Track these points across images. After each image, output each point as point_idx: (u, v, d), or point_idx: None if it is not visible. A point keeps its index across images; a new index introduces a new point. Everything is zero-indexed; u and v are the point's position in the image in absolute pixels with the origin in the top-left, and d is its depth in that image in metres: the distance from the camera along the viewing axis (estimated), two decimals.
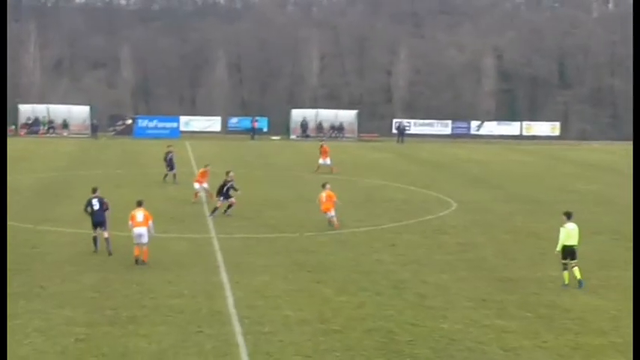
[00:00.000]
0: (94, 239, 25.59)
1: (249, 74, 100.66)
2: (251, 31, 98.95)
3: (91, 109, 79.45)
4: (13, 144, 66.00)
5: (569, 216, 23.29)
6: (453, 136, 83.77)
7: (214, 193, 33.84)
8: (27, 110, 78.97)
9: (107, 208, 25.92)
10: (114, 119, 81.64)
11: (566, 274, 22.87)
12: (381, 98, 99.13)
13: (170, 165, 43.15)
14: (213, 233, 29.42)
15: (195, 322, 18.62)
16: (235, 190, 33.33)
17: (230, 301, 20.51)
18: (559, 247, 22.94)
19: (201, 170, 37.65)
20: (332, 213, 30.66)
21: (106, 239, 25.44)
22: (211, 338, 17.51)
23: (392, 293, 21.60)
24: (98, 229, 25.60)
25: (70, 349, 16.58)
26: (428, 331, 18.43)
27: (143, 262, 24.34)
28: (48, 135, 77.17)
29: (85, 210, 25.97)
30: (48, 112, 79.20)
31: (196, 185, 37.09)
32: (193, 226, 30.80)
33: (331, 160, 49.86)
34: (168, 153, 43.80)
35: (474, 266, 25.07)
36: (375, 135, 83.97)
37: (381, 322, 18.92)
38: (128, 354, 16.38)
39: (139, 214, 24.85)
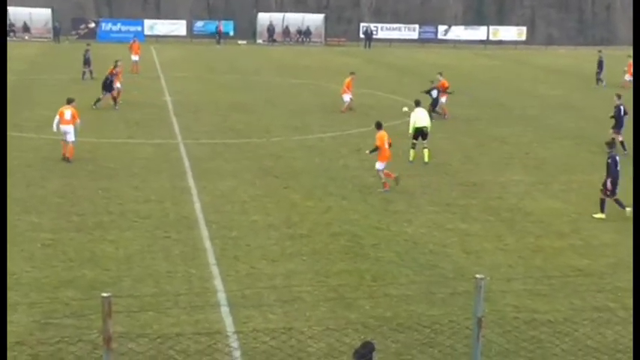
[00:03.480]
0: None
1: None
2: None
3: (53, 11, 77.61)
4: None
5: (417, 103, 26.97)
6: (420, 41, 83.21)
7: None
8: None
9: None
10: (76, 22, 79.88)
11: (412, 152, 26.04)
12: (349, 2, 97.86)
13: (87, 62, 45.00)
14: (179, 139, 29.33)
15: (163, 227, 18.72)
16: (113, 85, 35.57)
17: (197, 206, 20.60)
18: (411, 130, 26.14)
19: (347, 80, 37.16)
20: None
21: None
22: (179, 243, 17.64)
23: (357, 198, 21.82)
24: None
25: (37, 255, 16.64)
26: (392, 234, 18.71)
27: (68, 160, 24.79)
28: (9, 39, 75.44)
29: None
30: (8, 15, 77.27)
31: (345, 97, 36.77)
32: (159, 131, 30.63)
33: (140, 57, 50.47)
34: (86, 51, 45.85)
35: (439, 171, 25.32)
36: (343, 39, 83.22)
37: (346, 227, 19.16)
38: (95, 259, 16.47)
39: (67, 111, 25.30)
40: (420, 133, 26.21)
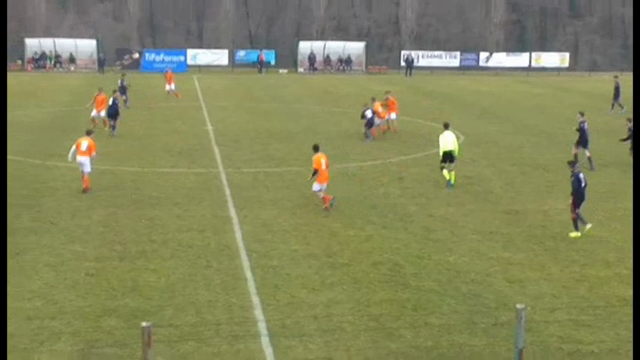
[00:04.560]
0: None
1: (255, 7, 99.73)
2: None
3: (98, 42, 78.96)
4: (20, 79, 65.88)
5: (446, 126, 27.25)
6: (461, 68, 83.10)
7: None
8: (33, 44, 78.46)
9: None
10: (121, 53, 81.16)
11: (446, 172, 26.53)
12: (390, 30, 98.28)
13: (123, 91, 45.15)
14: (220, 167, 29.52)
15: (204, 256, 18.82)
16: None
17: (238, 235, 20.68)
18: (440, 152, 26.68)
19: (390, 100, 38.50)
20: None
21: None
22: (220, 272, 17.71)
23: (398, 226, 21.74)
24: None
25: (80, 284, 16.81)
26: (434, 263, 18.60)
27: (84, 191, 24.91)
28: (55, 69, 76.92)
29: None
30: (54, 47, 78.78)
31: (392, 115, 38.22)
32: (201, 160, 30.88)
33: (175, 85, 51.87)
34: (121, 81, 46.47)
35: (481, 199, 25.15)
36: (384, 67, 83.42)
37: (387, 255, 19.09)
38: (137, 288, 16.59)
39: (84, 142, 25.38)
40: (448, 156, 26.59)
